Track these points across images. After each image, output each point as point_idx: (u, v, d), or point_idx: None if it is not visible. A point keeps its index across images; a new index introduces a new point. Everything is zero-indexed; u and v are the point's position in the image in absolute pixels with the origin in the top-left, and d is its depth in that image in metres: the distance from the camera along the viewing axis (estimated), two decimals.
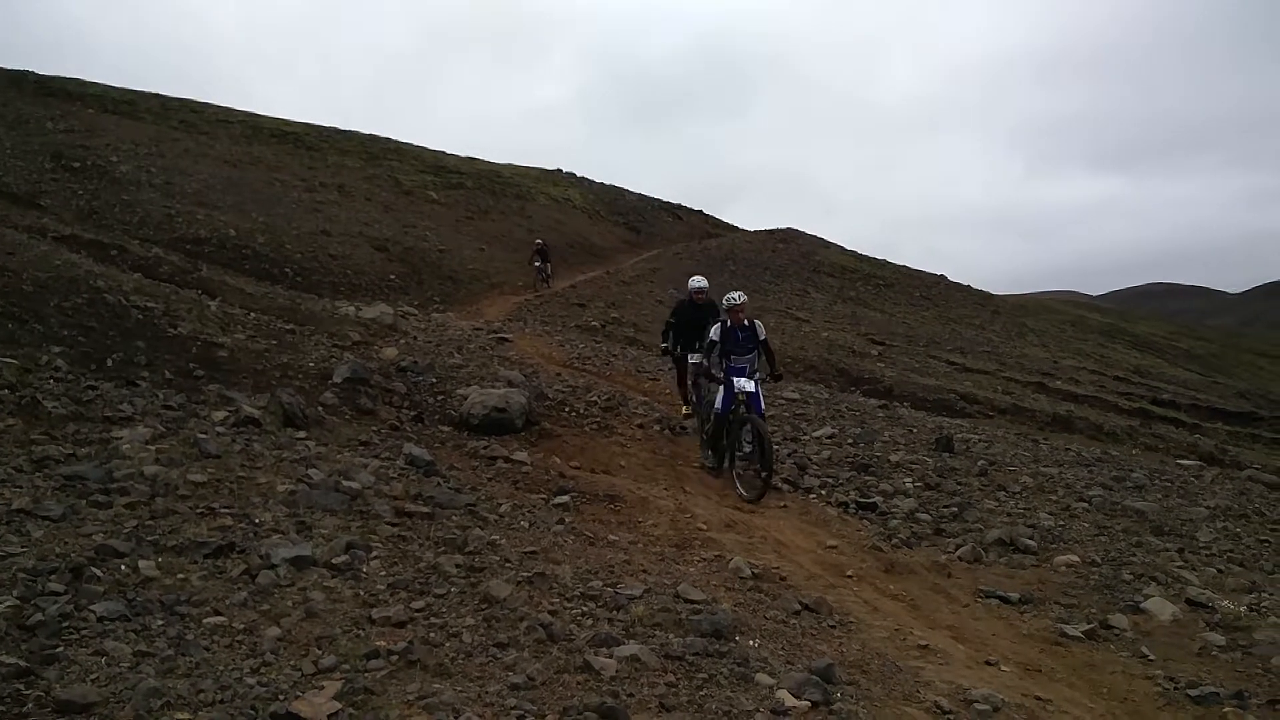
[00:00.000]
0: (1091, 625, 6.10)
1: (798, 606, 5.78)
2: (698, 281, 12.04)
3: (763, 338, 10.31)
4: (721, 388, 10.02)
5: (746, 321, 10.24)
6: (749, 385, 9.80)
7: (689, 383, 12.22)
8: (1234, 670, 5.48)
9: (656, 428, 12.07)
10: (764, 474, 9.20)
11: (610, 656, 4.33)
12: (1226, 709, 4.86)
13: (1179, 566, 7.43)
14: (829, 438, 12.21)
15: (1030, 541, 7.87)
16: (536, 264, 29.93)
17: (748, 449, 9.68)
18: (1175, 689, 5.15)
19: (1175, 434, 26.72)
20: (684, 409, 12.46)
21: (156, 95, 41.46)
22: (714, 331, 10.24)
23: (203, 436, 7.08)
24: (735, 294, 10.38)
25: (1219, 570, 7.49)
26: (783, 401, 15.09)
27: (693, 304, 11.93)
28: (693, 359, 11.69)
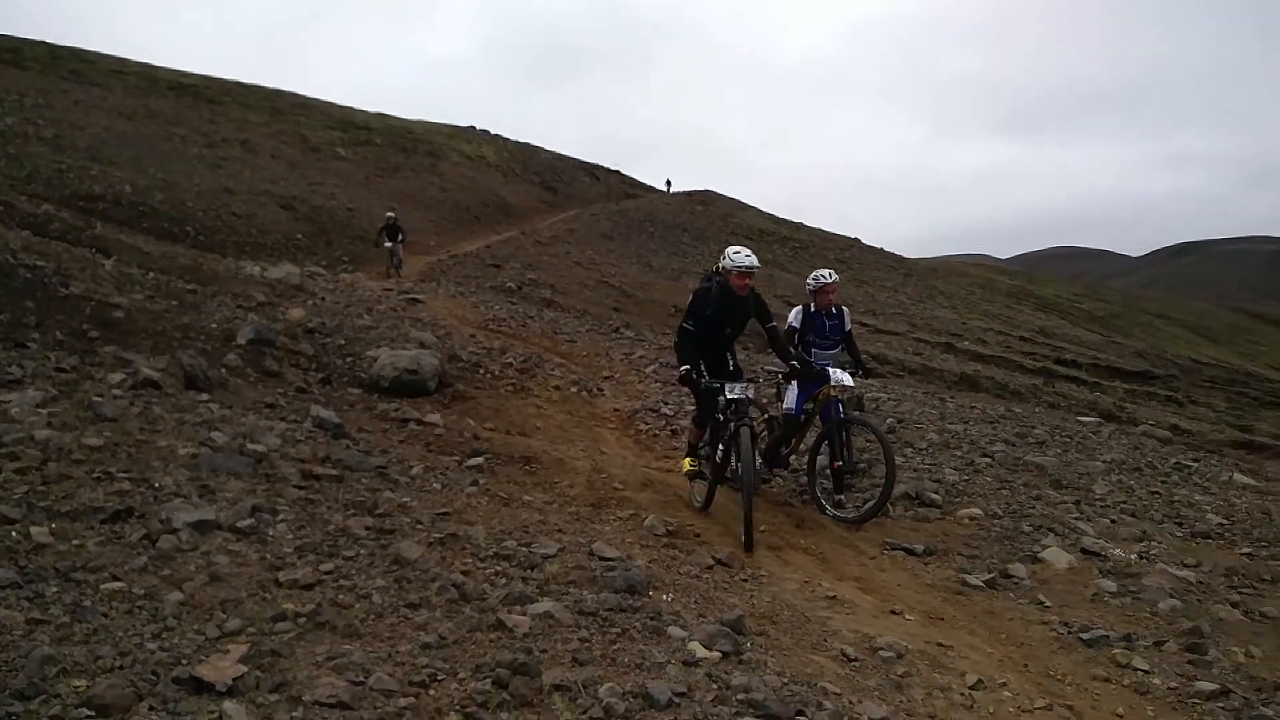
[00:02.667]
0: (992, 575, 6.32)
1: (711, 561, 5.87)
2: (744, 258, 7.42)
3: (848, 328, 8.48)
4: (793, 383, 8.17)
5: (834, 308, 8.34)
6: (846, 379, 7.83)
7: (719, 429, 7.41)
8: (1124, 614, 5.74)
9: (574, 389, 12.05)
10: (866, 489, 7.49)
11: (524, 614, 4.32)
12: (1115, 650, 5.10)
13: (1075, 518, 7.74)
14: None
15: (935, 496, 8.09)
16: (387, 244, 24.10)
17: (826, 462, 7.93)
18: (1069, 633, 5.38)
19: (1076, 392, 27.88)
20: (687, 462, 7.91)
21: (44, 43, 39.34)
22: (794, 316, 8.29)
23: (98, 399, 6.80)
24: (825, 271, 8.38)
25: (1112, 520, 7.83)
26: None
27: (727, 293, 7.48)
28: (731, 392, 7.18)
